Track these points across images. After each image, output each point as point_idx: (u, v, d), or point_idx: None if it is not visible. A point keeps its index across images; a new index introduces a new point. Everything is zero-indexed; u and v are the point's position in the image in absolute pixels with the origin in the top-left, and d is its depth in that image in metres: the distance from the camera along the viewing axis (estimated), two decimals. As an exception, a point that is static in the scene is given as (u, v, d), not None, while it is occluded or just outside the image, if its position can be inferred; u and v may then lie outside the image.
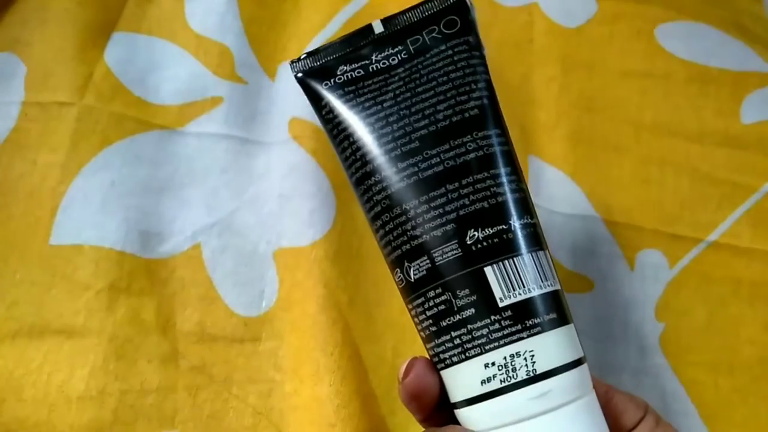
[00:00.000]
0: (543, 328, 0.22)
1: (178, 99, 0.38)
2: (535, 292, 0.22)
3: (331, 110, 0.25)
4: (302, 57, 0.26)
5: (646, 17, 0.42)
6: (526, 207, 0.23)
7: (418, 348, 0.34)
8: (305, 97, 0.39)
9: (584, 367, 0.23)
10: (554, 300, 0.23)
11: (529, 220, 0.23)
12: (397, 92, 0.24)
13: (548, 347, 0.22)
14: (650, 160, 0.38)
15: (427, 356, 0.24)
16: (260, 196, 0.36)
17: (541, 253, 0.23)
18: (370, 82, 0.25)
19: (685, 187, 0.38)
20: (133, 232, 0.34)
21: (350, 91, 0.25)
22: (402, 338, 0.34)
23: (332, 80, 0.25)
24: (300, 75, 0.26)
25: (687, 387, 0.34)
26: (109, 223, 0.34)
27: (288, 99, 0.39)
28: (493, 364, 0.22)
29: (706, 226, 0.37)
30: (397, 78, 0.24)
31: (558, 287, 0.23)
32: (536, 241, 0.23)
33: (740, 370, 0.34)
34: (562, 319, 0.23)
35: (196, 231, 0.35)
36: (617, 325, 0.35)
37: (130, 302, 0.33)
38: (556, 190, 0.37)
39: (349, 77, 0.25)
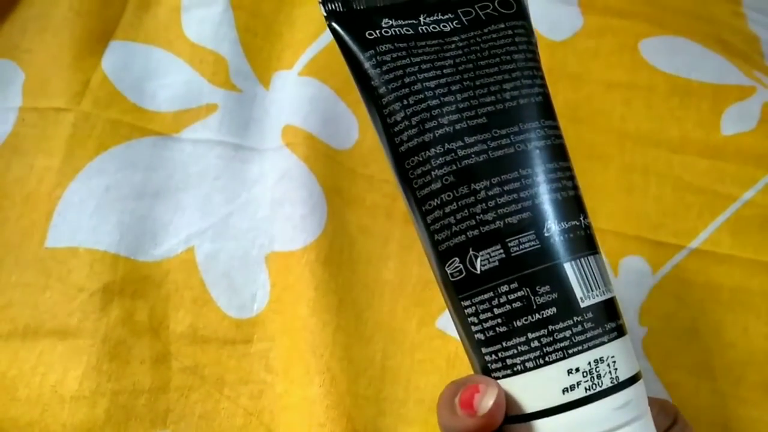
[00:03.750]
0: (618, 333, 0.21)
1: (173, 106, 0.39)
2: (606, 296, 0.21)
3: (379, 64, 0.22)
4: None
5: (630, 32, 0.43)
6: (584, 206, 0.22)
7: (407, 350, 0.34)
8: (298, 104, 0.40)
9: (642, 380, 0.22)
10: (617, 306, 0.22)
11: (589, 220, 0.22)
12: (458, 61, 0.22)
13: (624, 353, 0.21)
14: (634, 169, 0.39)
15: (474, 364, 0.22)
16: (253, 202, 0.37)
17: (600, 255, 0.22)
18: (423, 43, 0.22)
19: (667, 196, 0.39)
20: (128, 235, 0.35)
21: (402, 47, 0.22)
22: (391, 340, 0.35)
23: (378, 31, 0.22)
24: (333, 18, 0.22)
25: (669, 390, 0.34)
26: (104, 226, 0.35)
27: (281, 107, 0.40)
28: (578, 370, 0.20)
29: (688, 233, 0.38)
30: (454, 46, 0.22)
31: (614, 292, 0.22)
32: (595, 242, 0.22)
33: (721, 374, 0.35)
34: (624, 327, 0.21)
35: (190, 235, 0.36)
36: (601, 329, 0.36)
37: (124, 304, 0.33)
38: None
39: (398, 33, 0.22)
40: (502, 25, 0.23)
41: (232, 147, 0.38)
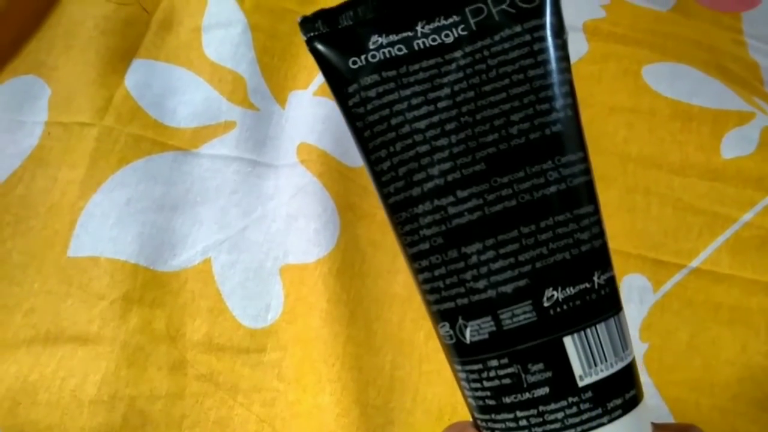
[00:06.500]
0: (623, 411, 0.19)
1: (193, 122, 0.40)
2: (617, 367, 0.19)
3: (363, 102, 0.19)
4: (317, 15, 0.19)
5: (633, 58, 0.45)
6: (606, 257, 0.19)
7: (415, 361, 0.35)
8: (312, 123, 0.41)
9: None
10: (632, 373, 0.19)
11: (610, 273, 0.19)
12: (456, 88, 0.18)
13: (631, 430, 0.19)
14: (636, 190, 0.41)
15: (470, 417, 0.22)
16: (268, 216, 0.38)
17: (621, 314, 0.19)
18: (417, 67, 0.18)
19: (668, 216, 0.40)
20: (147, 246, 0.36)
21: (390, 78, 0.18)
22: (400, 351, 0.36)
23: (363, 57, 0.19)
24: (315, 42, 0.19)
25: (670, 404, 0.35)
26: (125, 237, 0.36)
27: (297, 125, 0.41)
28: None
29: (689, 253, 0.39)
30: (454, 66, 0.18)
31: (633, 354, 0.20)
32: (616, 300, 0.19)
33: (720, 390, 0.36)
34: (638, 395, 0.19)
35: (207, 246, 0.37)
36: (604, 344, 0.37)
37: (143, 312, 0.35)
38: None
39: (387, 55, 0.18)
40: (519, 29, 0.18)
41: (248, 163, 0.40)
